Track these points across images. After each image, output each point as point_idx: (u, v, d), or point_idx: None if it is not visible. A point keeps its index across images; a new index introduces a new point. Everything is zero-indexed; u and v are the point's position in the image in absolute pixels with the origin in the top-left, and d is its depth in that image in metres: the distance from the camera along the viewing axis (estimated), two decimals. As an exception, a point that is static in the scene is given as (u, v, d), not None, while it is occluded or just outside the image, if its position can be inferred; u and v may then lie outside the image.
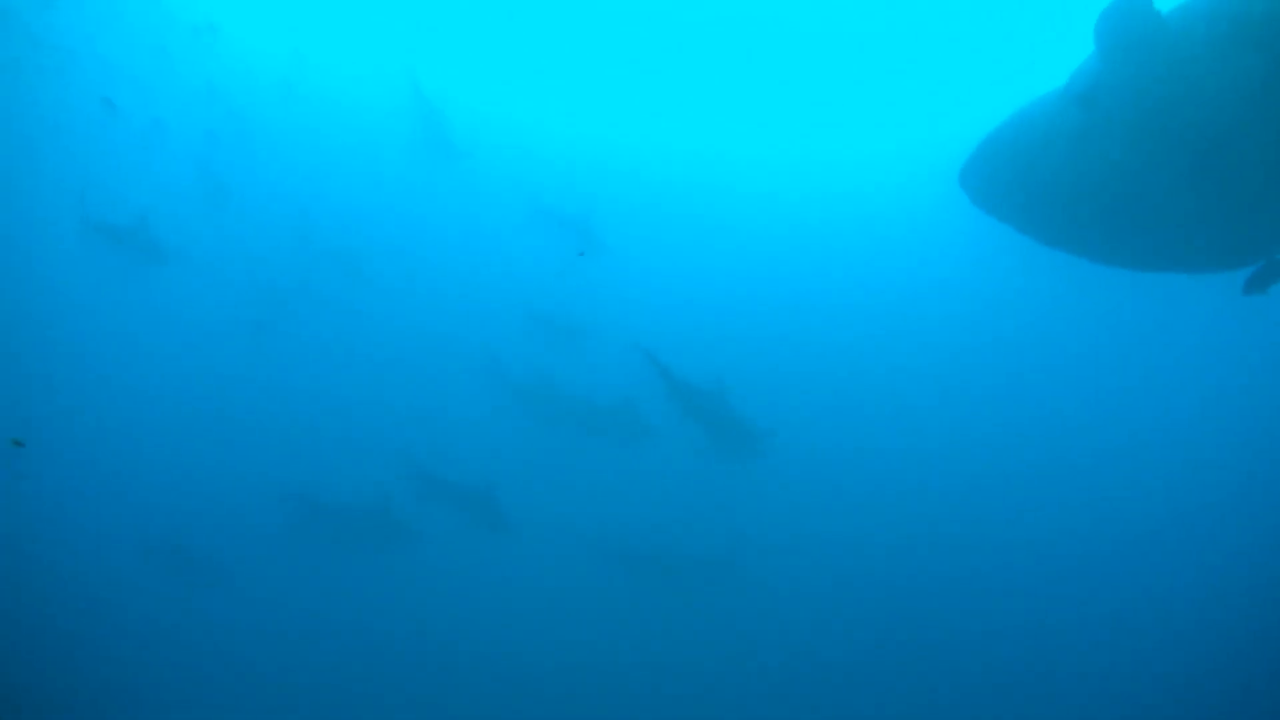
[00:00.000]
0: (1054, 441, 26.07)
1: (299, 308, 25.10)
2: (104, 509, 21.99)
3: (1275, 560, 23.25)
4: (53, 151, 26.14)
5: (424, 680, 20.30)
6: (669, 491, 22.93)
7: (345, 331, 26.19)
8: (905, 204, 28.36)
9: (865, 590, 23.08)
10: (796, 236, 29.74)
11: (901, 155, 29.36)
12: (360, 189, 27.85)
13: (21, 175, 26.20)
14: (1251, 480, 24.62)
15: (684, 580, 20.95)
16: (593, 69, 30.05)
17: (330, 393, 25.09)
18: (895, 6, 28.35)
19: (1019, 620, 22.69)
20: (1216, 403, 26.35)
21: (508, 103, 29.49)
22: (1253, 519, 23.96)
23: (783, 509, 23.06)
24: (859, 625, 22.47)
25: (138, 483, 22.69)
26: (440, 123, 21.10)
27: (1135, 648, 22.28)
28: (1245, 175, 7.10)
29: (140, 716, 18.03)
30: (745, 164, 30.87)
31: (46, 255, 25.60)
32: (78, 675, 18.25)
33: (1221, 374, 26.38)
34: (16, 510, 21.02)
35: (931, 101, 29.38)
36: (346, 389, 25.43)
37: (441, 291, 27.19)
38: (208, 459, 23.36)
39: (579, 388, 20.86)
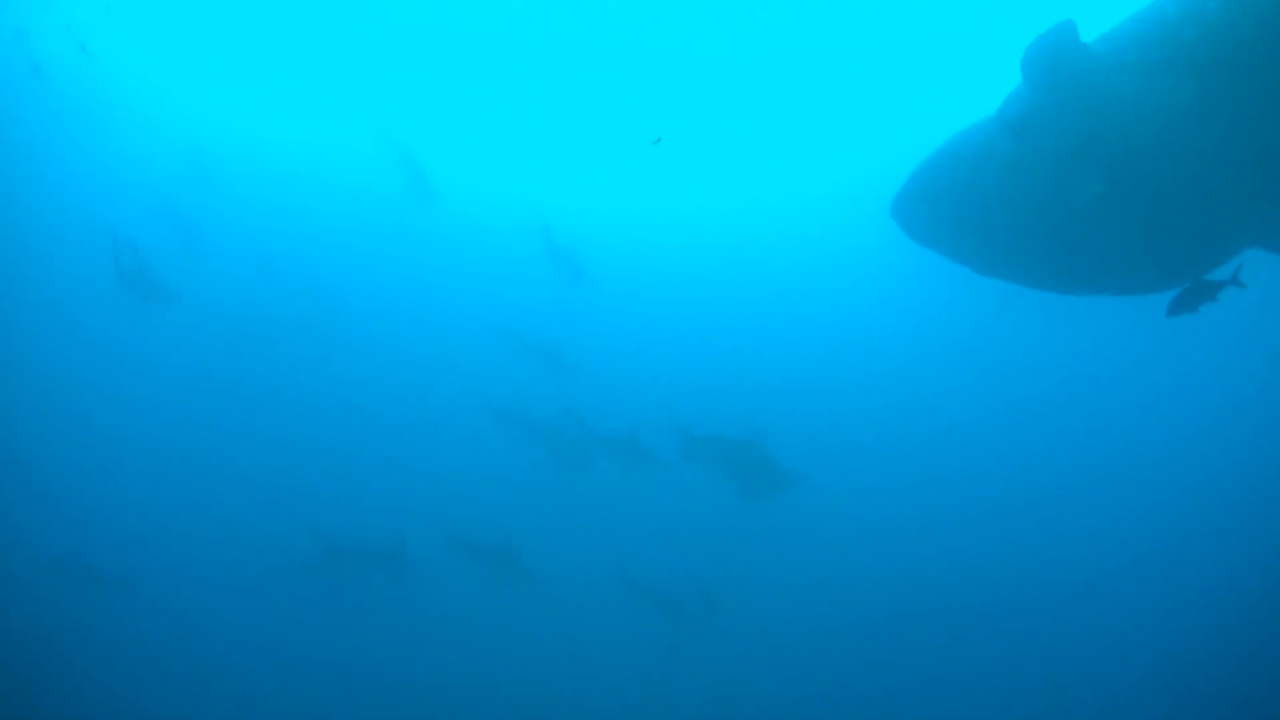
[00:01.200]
0: (1035, 457, 26.18)
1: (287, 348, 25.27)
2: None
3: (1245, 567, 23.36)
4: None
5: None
6: (677, 525, 23.14)
7: (342, 369, 26.45)
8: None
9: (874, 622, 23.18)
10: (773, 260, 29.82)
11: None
12: (352, 235, 28.26)
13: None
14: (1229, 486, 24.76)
15: (693, 616, 20.86)
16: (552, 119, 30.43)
17: (327, 434, 25.24)
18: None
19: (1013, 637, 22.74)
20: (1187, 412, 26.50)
21: (480, 145, 29.69)
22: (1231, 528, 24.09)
23: (795, 543, 23.16)
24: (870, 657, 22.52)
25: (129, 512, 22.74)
26: (415, 167, 21.19)
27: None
28: (1174, 199, 7.19)
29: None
30: (712, 202, 31.15)
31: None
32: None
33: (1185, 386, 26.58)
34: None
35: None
36: (341, 428, 25.61)
37: (435, 328, 27.48)
38: (199, 499, 23.46)
39: (576, 419, 20.85)
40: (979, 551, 24.30)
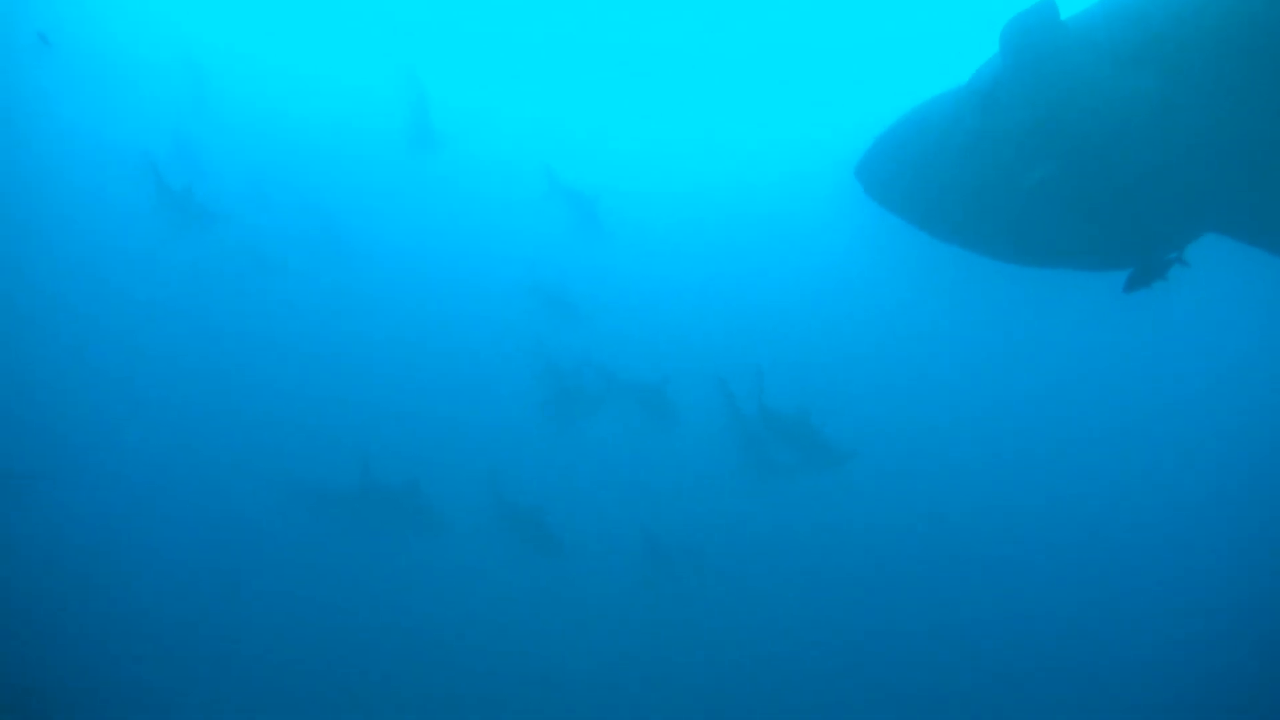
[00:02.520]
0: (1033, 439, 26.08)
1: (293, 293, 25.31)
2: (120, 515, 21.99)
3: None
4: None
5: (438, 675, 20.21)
6: (696, 480, 23.19)
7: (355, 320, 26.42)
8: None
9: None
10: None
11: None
12: (357, 179, 27.73)
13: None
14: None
15: (709, 574, 21.20)
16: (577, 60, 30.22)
17: (331, 384, 25.17)
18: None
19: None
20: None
21: (495, 90, 29.54)
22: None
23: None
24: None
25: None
26: (422, 104, 21.11)
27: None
28: (1132, 182, 7.25)
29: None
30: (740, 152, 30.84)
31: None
32: (86, 671, 18.21)
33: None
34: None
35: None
36: (350, 382, 25.51)
37: (452, 279, 27.37)
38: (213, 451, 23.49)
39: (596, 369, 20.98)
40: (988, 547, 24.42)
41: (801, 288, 27.70)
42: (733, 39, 30.65)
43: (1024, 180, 7.37)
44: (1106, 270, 7.86)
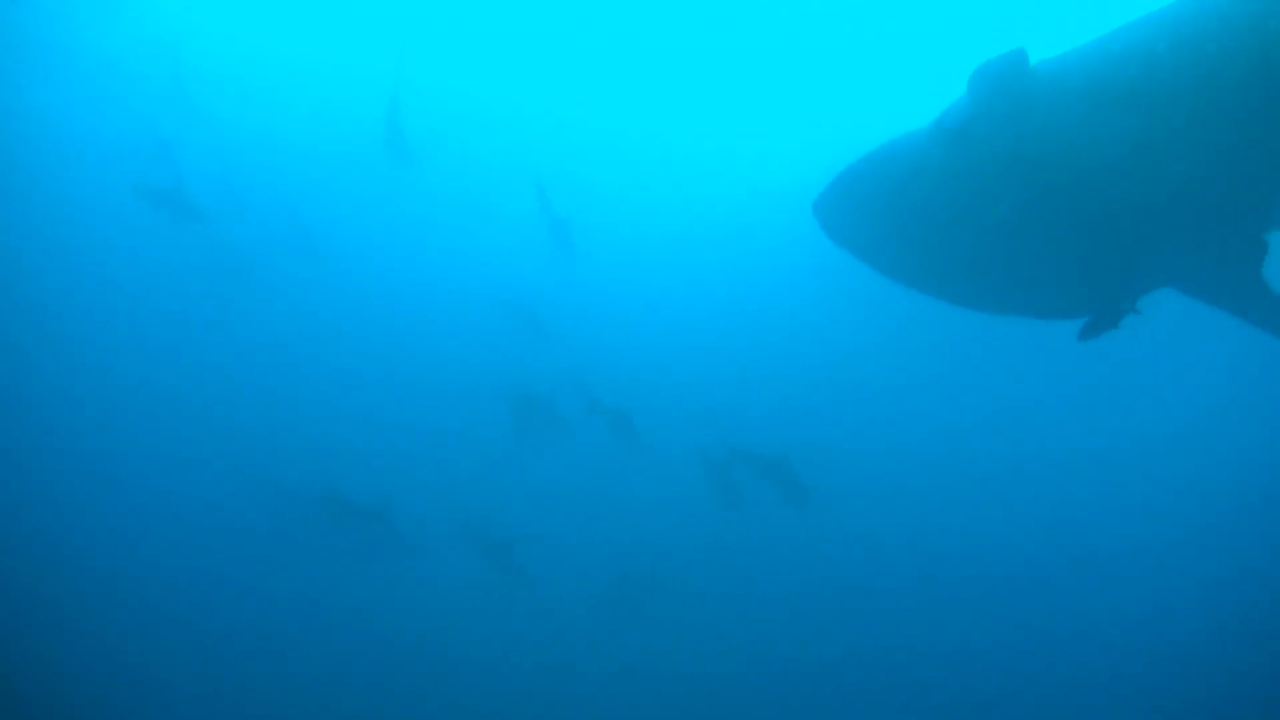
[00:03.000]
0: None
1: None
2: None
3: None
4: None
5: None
6: (663, 507, 22.93)
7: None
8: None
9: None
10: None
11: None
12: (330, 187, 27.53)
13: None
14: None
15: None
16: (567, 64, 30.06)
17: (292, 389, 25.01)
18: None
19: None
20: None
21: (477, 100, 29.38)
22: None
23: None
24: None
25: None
26: (400, 120, 20.82)
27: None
28: (1099, 231, 7.20)
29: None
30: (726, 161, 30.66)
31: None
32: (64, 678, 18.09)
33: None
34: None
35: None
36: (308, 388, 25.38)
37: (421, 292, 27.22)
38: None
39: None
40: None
41: (781, 311, 27.40)
42: (720, 50, 30.57)
43: (991, 213, 7.34)
44: (1066, 318, 7.79)
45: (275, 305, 25.60)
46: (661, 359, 25.81)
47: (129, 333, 25.17)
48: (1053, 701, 21.54)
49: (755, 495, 19.49)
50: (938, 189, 7.54)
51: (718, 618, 21.94)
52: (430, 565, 20.93)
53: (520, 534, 19.67)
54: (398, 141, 21.13)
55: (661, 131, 30.67)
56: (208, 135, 26.05)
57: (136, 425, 23.49)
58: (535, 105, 29.72)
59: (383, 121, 21.18)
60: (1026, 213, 7.23)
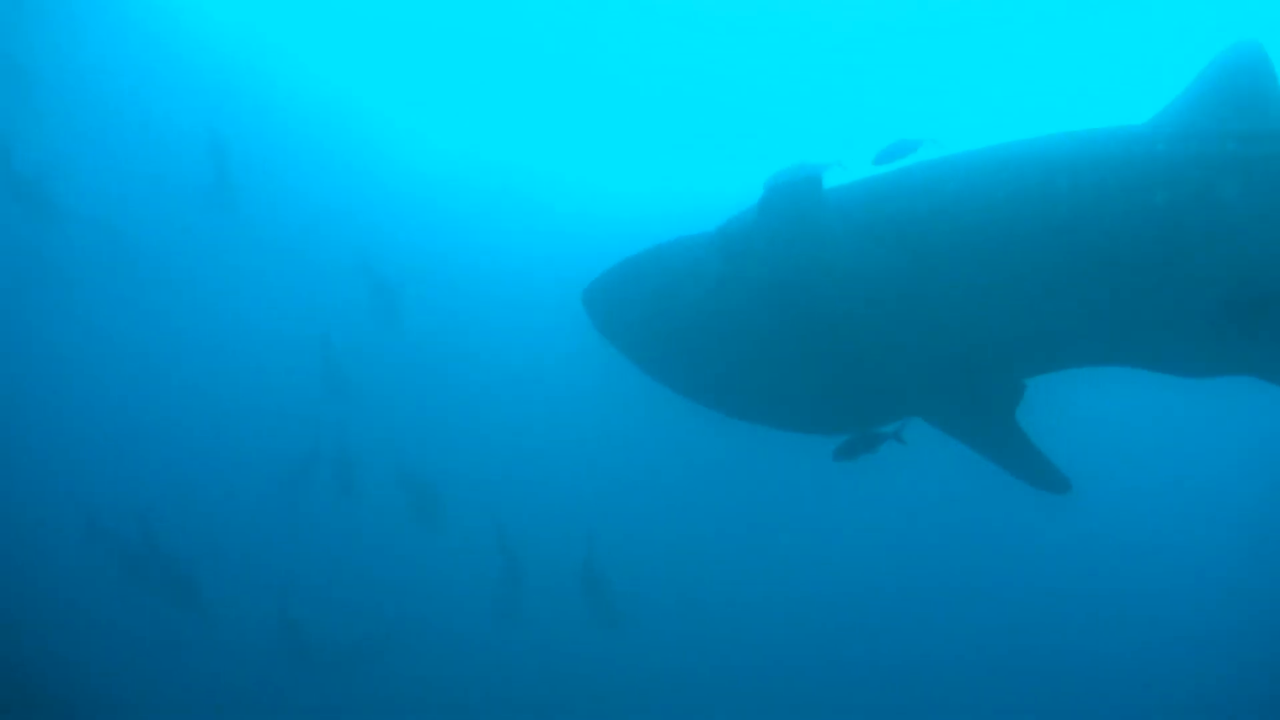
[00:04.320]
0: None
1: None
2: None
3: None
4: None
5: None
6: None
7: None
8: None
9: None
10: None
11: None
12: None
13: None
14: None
15: None
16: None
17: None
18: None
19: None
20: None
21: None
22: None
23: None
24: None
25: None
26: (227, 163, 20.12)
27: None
28: (856, 361, 7.35)
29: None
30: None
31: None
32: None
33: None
34: None
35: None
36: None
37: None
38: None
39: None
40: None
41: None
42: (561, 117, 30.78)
43: (755, 327, 7.42)
44: (821, 434, 7.95)
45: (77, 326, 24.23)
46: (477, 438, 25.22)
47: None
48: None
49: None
50: (709, 296, 7.58)
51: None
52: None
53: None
54: (223, 182, 20.41)
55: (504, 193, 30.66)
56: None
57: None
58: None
59: (210, 158, 20.46)
60: (788, 331, 7.32)
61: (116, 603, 19.29)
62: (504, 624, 18.91)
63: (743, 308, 7.41)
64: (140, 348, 25.36)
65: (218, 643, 19.72)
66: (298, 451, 20.79)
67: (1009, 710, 22.81)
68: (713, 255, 7.64)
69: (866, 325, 7.13)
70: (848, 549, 25.92)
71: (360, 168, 29.44)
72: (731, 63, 30.10)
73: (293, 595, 19.79)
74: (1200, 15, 25.75)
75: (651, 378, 8.16)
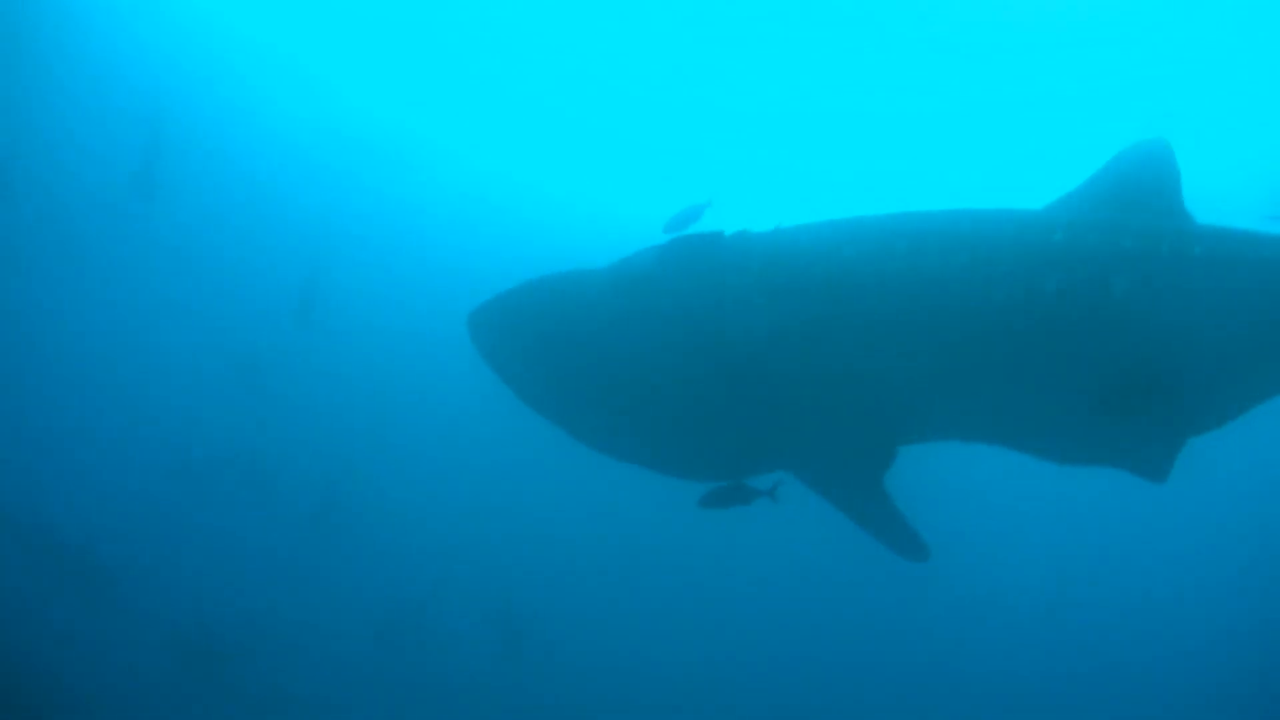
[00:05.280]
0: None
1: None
2: None
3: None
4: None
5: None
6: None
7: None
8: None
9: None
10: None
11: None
12: None
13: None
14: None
15: None
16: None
17: None
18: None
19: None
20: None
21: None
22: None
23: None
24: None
25: None
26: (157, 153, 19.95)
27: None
28: (742, 410, 7.41)
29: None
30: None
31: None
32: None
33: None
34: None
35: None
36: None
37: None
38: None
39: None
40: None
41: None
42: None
43: (641, 366, 7.45)
44: (694, 480, 8.04)
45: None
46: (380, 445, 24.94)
47: None
48: None
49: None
50: (600, 333, 7.62)
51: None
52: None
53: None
54: (146, 177, 20.27)
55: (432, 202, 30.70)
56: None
57: None
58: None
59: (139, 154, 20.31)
60: (676, 376, 7.40)
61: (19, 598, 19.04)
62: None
63: (632, 349, 7.47)
64: (51, 338, 24.87)
65: (124, 639, 19.48)
66: (210, 449, 20.57)
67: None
68: (608, 293, 7.69)
69: (753, 378, 7.23)
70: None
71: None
72: (711, 80, 30.20)
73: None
74: (1098, 112, 26.18)
75: (527, 405, 8.16)
